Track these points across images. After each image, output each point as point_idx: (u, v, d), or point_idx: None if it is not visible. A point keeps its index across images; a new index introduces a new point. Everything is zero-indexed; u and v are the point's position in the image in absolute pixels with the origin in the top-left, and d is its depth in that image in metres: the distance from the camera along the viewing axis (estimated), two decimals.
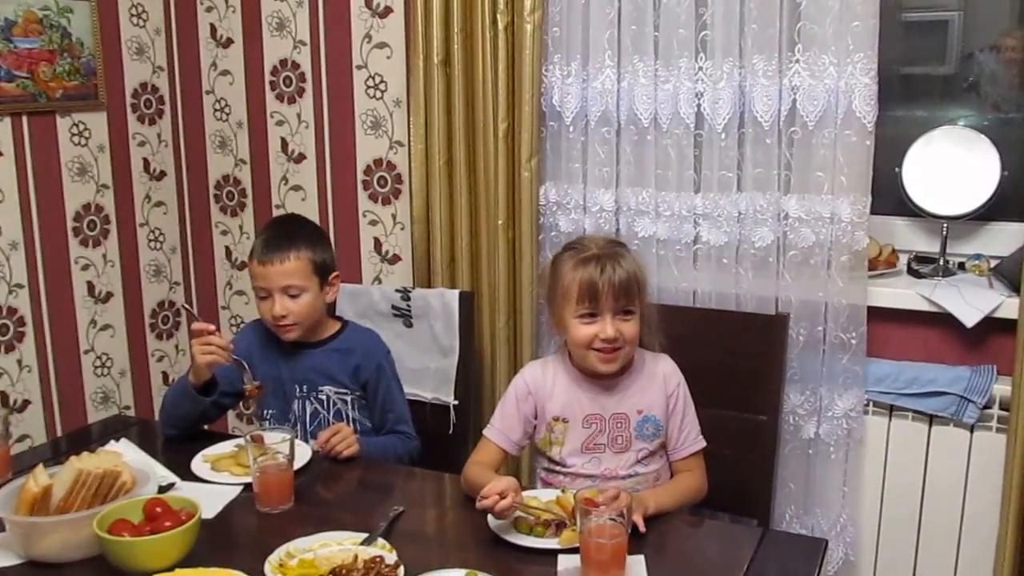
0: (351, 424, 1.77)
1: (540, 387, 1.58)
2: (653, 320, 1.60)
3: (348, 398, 1.79)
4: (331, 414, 1.79)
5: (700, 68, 1.88)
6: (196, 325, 1.66)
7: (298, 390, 1.79)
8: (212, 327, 1.65)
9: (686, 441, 1.59)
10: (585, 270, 1.48)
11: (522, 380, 1.60)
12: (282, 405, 1.81)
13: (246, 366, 1.68)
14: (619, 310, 1.49)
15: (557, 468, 1.58)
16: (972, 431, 1.81)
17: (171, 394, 1.76)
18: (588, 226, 2.05)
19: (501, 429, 1.58)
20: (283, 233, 1.77)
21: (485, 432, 1.59)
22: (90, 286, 2.44)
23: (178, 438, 1.73)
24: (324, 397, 1.78)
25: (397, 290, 2.10)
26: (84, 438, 1.83)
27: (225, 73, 2.52)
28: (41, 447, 2.07)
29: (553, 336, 1.61)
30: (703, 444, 1.60)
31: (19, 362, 2.28)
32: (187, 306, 1.72)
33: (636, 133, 1.97)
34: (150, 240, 2.60)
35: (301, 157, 2.46)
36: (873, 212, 1.83)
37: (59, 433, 2.36)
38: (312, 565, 1.23)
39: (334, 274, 1.79)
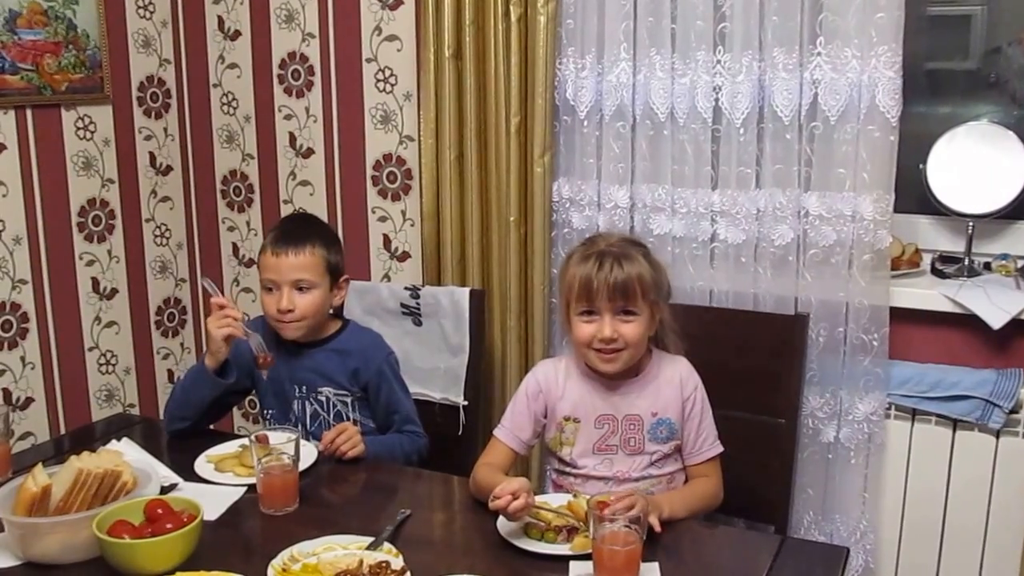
0: (353, 425, 1.73)
1: (551, 386, 1.56)
2: (670, 323, 1.57)
3: (348, 399, 1.76)
4: (331, 415, 1.76)
5: (718, 61, 1.85)
6: (217, 300, 1.64)
7: (297, 391, 1.77)
8: (232, 303, 1.65)
9: (703, 446, 1.55)
10: (584, 267, 1.47)
11: (533, 378, 1.58)
12: (282, 405, 1.78)
13: (259, 336, 1.66)
14: (617, 310, 1.46)
15: (568, 470, 1.56)
16: (997, 436, 1.77)
17: (183, 382, 1.74)
18: (602, 223, 2.02)
19: (511, 428, 1.56)
20: (300, 227, 1.77)
21: (495, 432, 1.58)
22: (95, 282, 2.42)
23: (185, 433, 1.71)
24: (324, 398, 1.76)
25: (406, 288, 2.08)
26: (87, 436, 1.83)
27: (233, 66, 2.49)
28: (44, 445, 2.05)
29: (565, 335, 1.58)
30: (720, 449, 1.57)
31: (22, 359, 2.26)
32: (208, 280, 1.71)
33: (652, 128, 1.94)
34: (156, 236, 2.58)
35: (309, 152, 2.44)
36: (896, 210, 1.80)
37: (62, 431, 2.35)
38: (316, 570, 1.22)
39: (344, 277, 1.78)
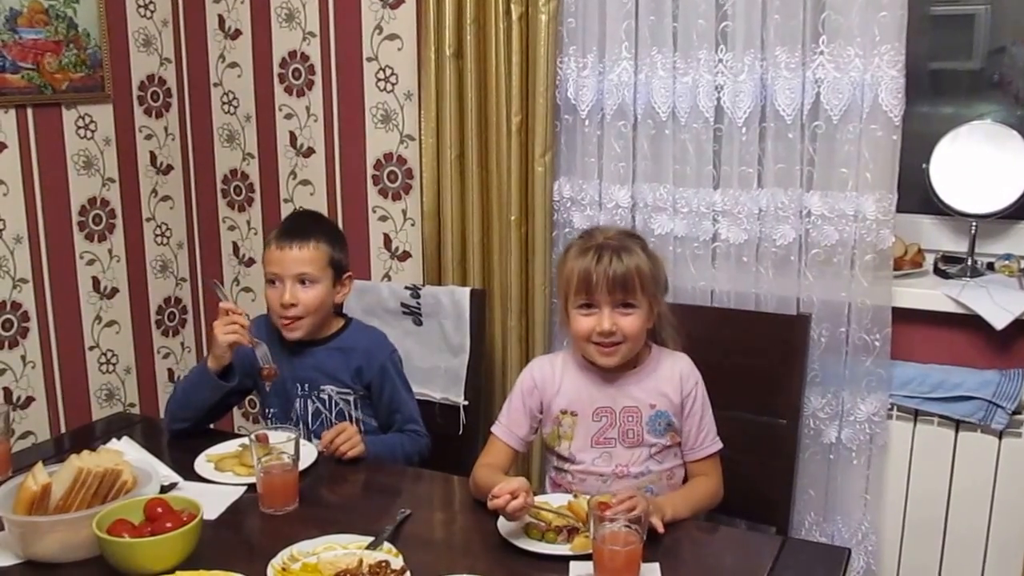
0: (355, 424, 1.73)
1: (547, 381, 1.55)
2: (668, 317, 1.56)
3: (351, 398, 1.75)
4: (333, 414, 1.75)
5: (720, 60, 1.84)
6: (224, 304, 1.64)
7: (299, 389, 1.76)
8: (240, 308, 1.64)
9: (704, 442, 1.55)
10: (583, 260, 1.46)
11: (529, 374, 1.58)
12: (283, 404, 1.78)
13: (265, 347, 1.65)
14: (617, 303, 1.45)
15: (566, 467, 1.55)
16: (1000, 437, 1.76)
17: (185, 383, 1.74)
18: (603, 223, 2.01)
19: (507, 425, 1.56)
20: (306, 222, 1.78)
21: (493, 429, 1.57)
22: (95, 281, 2.41)
23: (185, 433, 1.70)
24: (326, 397, 1.75)
25: (407, 287, 2.07)
26: (88, 435, 1.83)
27: (233, 65, 2.49)
28: (44, 444, 2.04)
29: (564, 328, 1.58)
30: (720, 445, 1.56)
31: (23, 358, 2.26)
32: (216, 283, 1.71)
33: (654, 127, 1.93)
34: (156, 235, 2.58)
35: (310, 151, 2.43)
36: (899, 210, 1.79)
37: (63, 430, 2.34)
38: (316, 569, 1.21)
39: (347, 274, 1.77)
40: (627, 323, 1.46)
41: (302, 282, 1.69)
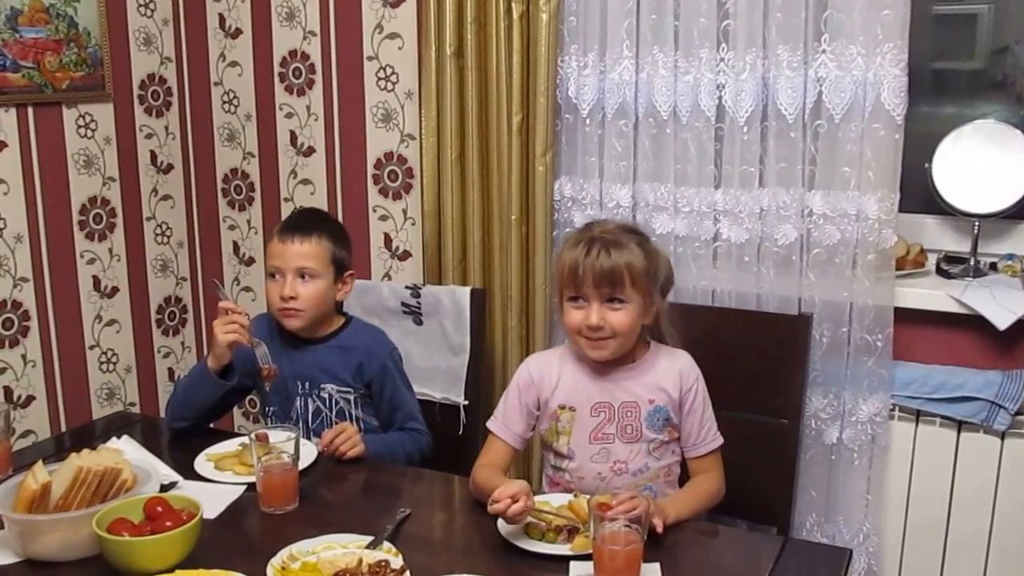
0: (355, 423, 1.73)
1: (544, 376, 1.54)
2: (668, 315, 1.56)
3: (351, 396, 1.75)
4: (334, 413, 1.75)
5: (722, 59, 1.84)
6: (224, 303, 1.64)
7: (299, 387, 1.76)
8: (240, 307, 1.64)
9: (706, 438, 1.54)
10: (573, 252, 1.46)
11: (525, 370, 1.57)
12: (283, 403, 1.77)
13: (265, 347, 1.65)
14: (605, 297, 1.45)
15: (564, 465, 1.54)
16: (1003, 438, 1.76)
17: (185, 382, 1.74)
18: None
19: (504, 422, 1.55)
20: (310, 218, 1.79)
21: (488, 424, 1.57)
22: (96, 280, 2.41)
23: (186, 432, 1.70)
24: (326, 395, 1.75)
25: (407, 287, 2.07)
26: (88, 434, 1.83)
27: (234, 64, 2.49)
28: (44, 443, 2.04)
29: (559, 320, 1.57)
30: (721, 441, 1.55)
31: (23, 357, 2.26)
32: (216, 282, 1.70)
33: (655, 126, 1.93)
34: (157, 234, 2.57)
35: (310, 150, 2.43)
36: (901, 210, 1.78)
37: (63, 429, 2.34)
38: (315, 568, 1.21)
39: (349, 272, 1.77)
40: (616, 318, 1.45)
41: (302, 276, 1.69)
